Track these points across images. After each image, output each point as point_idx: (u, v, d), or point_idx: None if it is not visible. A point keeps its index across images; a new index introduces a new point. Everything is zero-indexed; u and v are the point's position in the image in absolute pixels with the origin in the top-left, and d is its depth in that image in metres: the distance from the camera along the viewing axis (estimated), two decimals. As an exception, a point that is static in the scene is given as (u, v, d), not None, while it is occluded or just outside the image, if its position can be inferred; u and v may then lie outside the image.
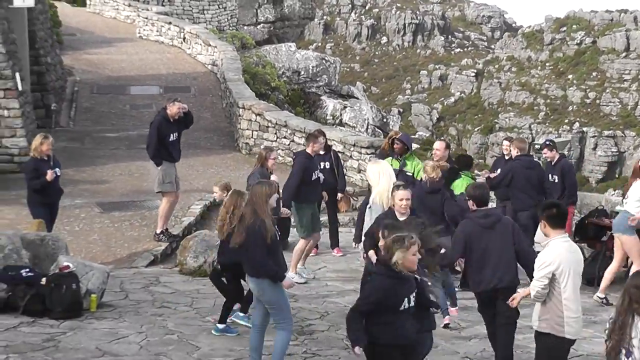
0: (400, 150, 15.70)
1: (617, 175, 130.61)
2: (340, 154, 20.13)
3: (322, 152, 16.63)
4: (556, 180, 16.15)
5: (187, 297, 13.69)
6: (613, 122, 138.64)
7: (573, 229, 16.17)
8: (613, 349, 7.24)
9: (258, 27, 48.01)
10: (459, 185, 14.66)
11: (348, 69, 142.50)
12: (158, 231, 16.68)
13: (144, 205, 19.11)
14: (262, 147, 19.95)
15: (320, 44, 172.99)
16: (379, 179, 12.62)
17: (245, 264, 10.37)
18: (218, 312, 12.50)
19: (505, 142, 17.20)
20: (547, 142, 16.82)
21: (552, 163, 16.40)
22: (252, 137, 24.64)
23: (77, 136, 26.24)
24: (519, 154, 15.78)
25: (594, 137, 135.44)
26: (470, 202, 10.78)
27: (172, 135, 16.51)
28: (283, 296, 10.31)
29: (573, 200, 16.64)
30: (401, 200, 11.17)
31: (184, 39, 36.03)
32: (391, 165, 14.35)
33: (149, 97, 29.84)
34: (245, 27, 46.36)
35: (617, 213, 16.20)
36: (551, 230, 9.20)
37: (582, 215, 17.51)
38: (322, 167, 16.47)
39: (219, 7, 42.98)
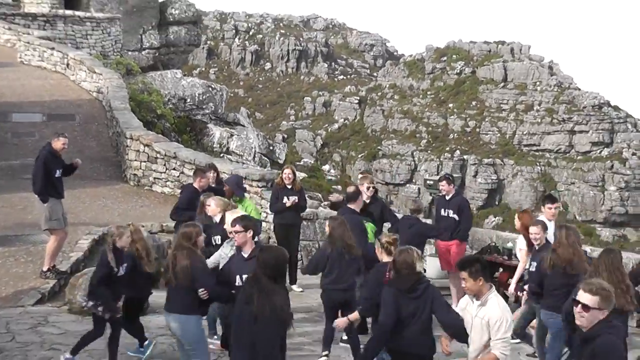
0: (229, 193, 15.62)
1: (497, 202, 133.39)
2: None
3: (213, 186, 16.20)
4: (450, 215, 16.13)
5: (77, 338, 13.12)
6: (492, 150, 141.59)
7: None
8: None
9: (143, 52, 47.40)
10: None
11: (232, 94, 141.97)
12: (45, 268, 16.08)
13: (29, 240, 18.37)
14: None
15: (204, 69, 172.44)
16: None
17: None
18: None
19: (442, 182, 16.72)
20: (447, 176, 16.82)
21: (448, 198, 16.34)
22: (140, 168, 24.10)
23: (-45, 165, 25.22)
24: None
25: (474, 164, 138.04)
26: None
27: (57, 170, 16.01)
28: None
29: (467, 237, 16.72)
30: None
31: (68, 65, 35.14)
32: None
33: (32, 125, 28.86)
34: (130, 53, 45.66)
35: (509, 250, 16.36)
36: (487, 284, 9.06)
37: (474, 252, 17.61)
38: None
39: (103, 32, 42.15)
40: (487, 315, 8.82)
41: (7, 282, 15.90)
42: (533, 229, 12.91)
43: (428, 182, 22.37)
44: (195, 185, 15.45)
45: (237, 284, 10.21)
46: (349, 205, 14.34)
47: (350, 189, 15.18)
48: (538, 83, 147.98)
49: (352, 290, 12.52)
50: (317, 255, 13.18)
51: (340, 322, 11.23)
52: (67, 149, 16.32)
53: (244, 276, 9.81)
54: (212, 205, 13.54)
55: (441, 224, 16.16)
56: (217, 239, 12.92)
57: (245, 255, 10.50)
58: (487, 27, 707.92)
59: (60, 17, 40.91)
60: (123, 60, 39.57)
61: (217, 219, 13.35)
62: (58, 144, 16.03)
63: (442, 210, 16.24)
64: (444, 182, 16.41)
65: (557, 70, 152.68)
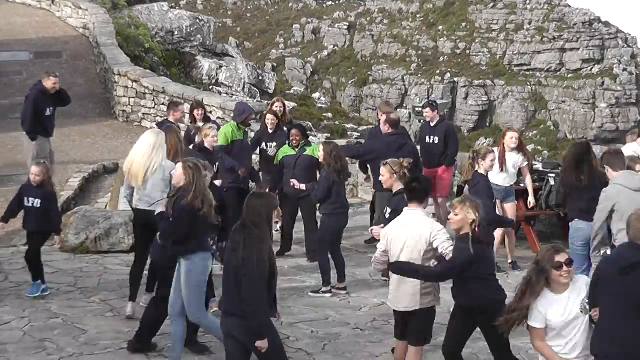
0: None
1: (487, 124, 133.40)
2: (219, 120, 19.98)
3: (200, 124, 15.94)
4: (436, 142, 16.11)
5: (69, 276, 13.42)
6: (483, 71, 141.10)
7: (455, 189, 16.32)
8: None
9: (129, -15, 46.95)
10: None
11: (220, 25, 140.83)
12: None
13: (20, 180, 18.32)
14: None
15: (190, 0, 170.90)
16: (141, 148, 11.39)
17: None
18: (103, 292, 12.36)
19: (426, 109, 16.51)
20: (431, 102, 16.82)
21: (433, 124, 16.36)
22: (129, 104, 24.18)
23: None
24: (389, 130, 15.04)
25: (464, 87, 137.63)
26: None
27: (48, 109, 16.11)
28: None
29: (454, 162, 16.83)
30: None
31: (53, 1, 34.88)
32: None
33: (19, 64, 28.81)
34: (116, -14, 45.26)
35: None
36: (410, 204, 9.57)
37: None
38: None
39: (88, -35, 41.76)
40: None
41: (-1, 223, 16.03)
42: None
43: (417, 108, 22.28)
44: (171, 119, 15.12)
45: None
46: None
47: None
48: (528, 1, 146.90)
49: None
50: (324, 182, 13.36)
51: (377, 229, 10.85)
52: (58, 88, 16.36)
53: None
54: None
55: (428, 151, 16.16)
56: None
57: None
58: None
59: (43, -48, 40.47)
60: (108, -6, 39.29)
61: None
62: (49, 83, 16.17)
63: (428, 137, 16.22)
64: (427, 109, 16.32)
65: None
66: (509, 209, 14.51)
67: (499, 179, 14.26)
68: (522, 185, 15.32)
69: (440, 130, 16.18)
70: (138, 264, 11.71)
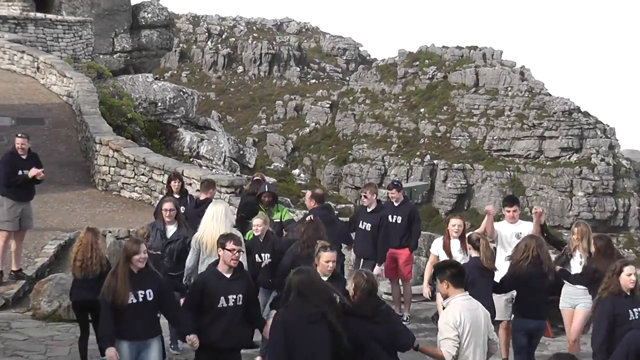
0: (269, 203, 15.24)
1: (465, 207, 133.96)
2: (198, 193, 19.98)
3: (177, 196, 16.10)
4: (398, 222, 16.10)
5: (40, 344, 13.27)
6: (462, 155, 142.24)
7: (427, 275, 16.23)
8: None
9: (114, 56, 47.36)
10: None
11: (204, 97, 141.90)
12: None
13: None
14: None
15: (175, 72, 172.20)
16: (209, 221, 12.14)
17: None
18: (74, 362, 12.26)
19: (392, 190, 16.52)
20: (395, 183, 16.83)
21: (396, 204, 16.34)
22: (109, 173, 24.16)
23: None
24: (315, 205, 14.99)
25: (444, 169, 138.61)
26: None
27: (20, 170, 16.04)
28: None
29: (417, 246, 16.91)
30: (327, 262, 10.23)
31: (38, 68, 35.11)
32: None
33: (1, 129, 28.85)
34: (102, 56, 45.63)
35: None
36: (454, 290, 9.30)
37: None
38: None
39: (75, 36, 42.06)
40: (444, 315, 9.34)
41: (-28, 288, 15.95)
42: None
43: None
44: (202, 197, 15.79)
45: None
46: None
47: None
48: (509, 88, 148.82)
49: None
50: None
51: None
52: (26, 148, 16.26)
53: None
54: (260, 223, 13.41)
55: (389, 230, 16.07)
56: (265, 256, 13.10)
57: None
58: (459, 32, 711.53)
59: (31, 19, 40.80)
60: (94, 64, 39.56)
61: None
62: (17, 144, 16.18)
63: (391, 216, 16.05)
64: (394, 190, 16.24)
65: (529, 75, 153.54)
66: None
67: None
68: None
69: (404, 211, 16.19)
70: None
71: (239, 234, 12.02)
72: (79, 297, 12.05)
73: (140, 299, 9.78)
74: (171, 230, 13.22)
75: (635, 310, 10.49)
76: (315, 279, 9.02)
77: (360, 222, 15.84)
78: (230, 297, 9.75)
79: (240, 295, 9.79)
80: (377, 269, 15.13)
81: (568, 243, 13.66)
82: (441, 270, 9.44)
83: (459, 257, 13.56)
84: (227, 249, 9.86)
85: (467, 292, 9.42)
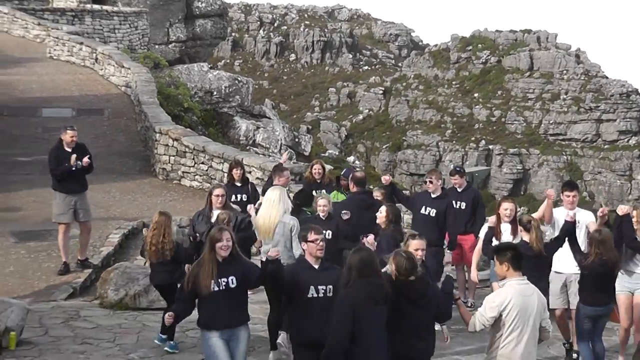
0: (346, 186, 15.61)
1: (522, 192, 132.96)
2: (257, 181, 20.05)
3: (238, 184, 16.19)
4: (462, 207, 15.99)
5: (109, 332, 13.38)
6: (518, 139, 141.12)
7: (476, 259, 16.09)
8: None
9: (169, 46, 47.68)
10: None
11: (257, 86, 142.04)
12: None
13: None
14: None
15: (228, 61, 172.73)
16: (262, 205, 12.59)
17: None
18: (141, 349, 12.36)
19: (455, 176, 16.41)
20: (458, 169, 16.70)
21: (460, 190, 16.27)
22: (169, 162, 24.30)
23: (-13, 161, 25.43)
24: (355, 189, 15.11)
25: (499, 154, 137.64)
26: None
27: (67, 163, 16.23)
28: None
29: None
30: (416, 250, 10.02)
31: (97, 59, 35.48)
32: (337, 198, 14.53)
33: (62, 120, 28.99)
34: (157, 46, 45.97)
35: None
36: (512, 272, 9.28)
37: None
38: (238, 199, 15.83)
39: (130, 27, 42.47)
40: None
41: (40, 277, 16.14)
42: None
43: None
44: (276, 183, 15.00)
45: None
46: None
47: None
48: (565, 72, 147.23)
49: None
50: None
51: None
52: (76, 140, 16.45)
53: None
54: (325, 203, 13.56)
55: (454, 217, 15.89)
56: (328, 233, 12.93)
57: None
58: (513, 15, 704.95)
59: (88, 11, 41.34)
60: (150, 55, 39.88)
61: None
62: (66, 137, 16.31)
63: (455, 202, 15.81)
64: (456, 176, 16.16)
65: (584, 58, 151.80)
66: None
67: None
68: None
69: (468, 197, 16.07)
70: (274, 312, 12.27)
71: (294, 220, 12.34)
72: (157, 280, 12.93)
73: (223, 286, 9.72)
74: (216, 215, 13.45)
75: None
76: (374, 257, 9.01)
77: (423, 207, 15.44)
78: (320, 287, 9.60)
79: (331, 287, 9.59)
80: (447, 256, 15.09)
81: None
82: (502, 252, 9.41)
83: (509, 240, 13.40)
84: (309, 241, 9.72)
85: (525, 277, 9.34)
